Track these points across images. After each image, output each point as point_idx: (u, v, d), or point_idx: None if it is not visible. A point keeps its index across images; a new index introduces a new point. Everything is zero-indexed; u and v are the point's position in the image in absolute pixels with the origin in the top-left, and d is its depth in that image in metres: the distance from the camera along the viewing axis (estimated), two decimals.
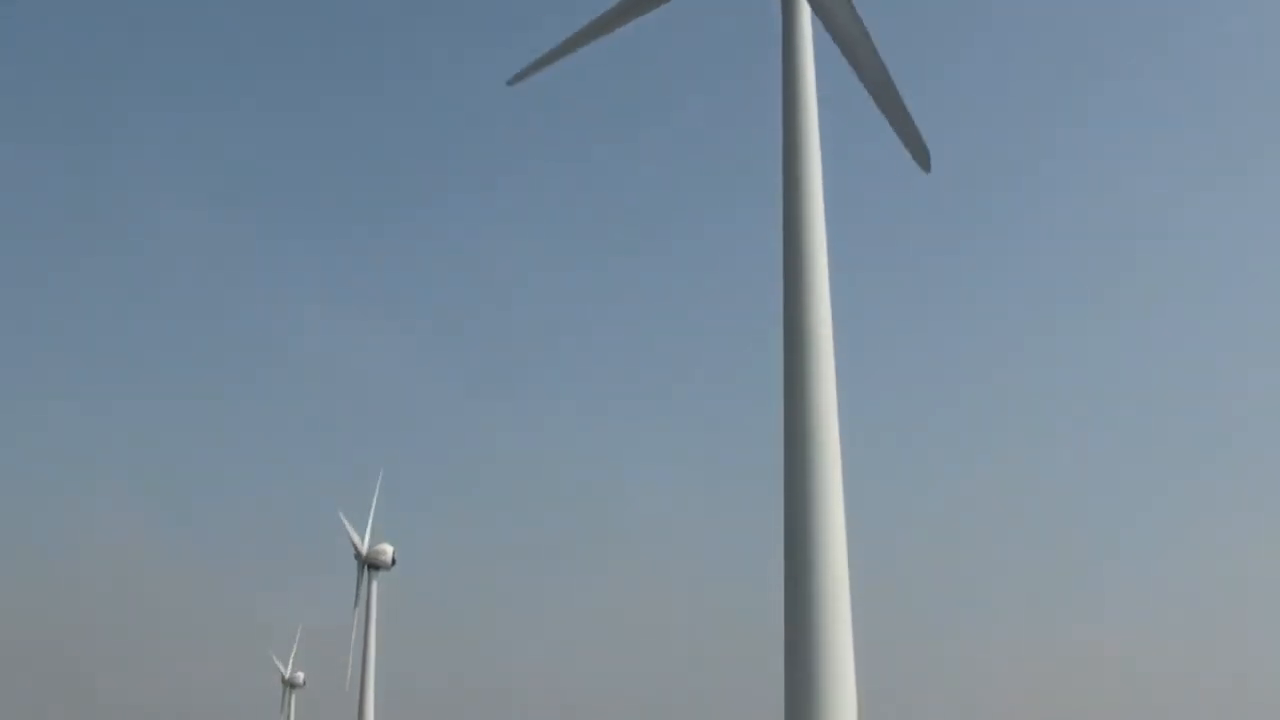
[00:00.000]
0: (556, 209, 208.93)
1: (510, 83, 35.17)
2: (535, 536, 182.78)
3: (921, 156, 33.15)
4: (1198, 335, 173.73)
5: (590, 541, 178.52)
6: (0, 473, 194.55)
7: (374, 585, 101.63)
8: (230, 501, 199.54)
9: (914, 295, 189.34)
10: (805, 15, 32.33)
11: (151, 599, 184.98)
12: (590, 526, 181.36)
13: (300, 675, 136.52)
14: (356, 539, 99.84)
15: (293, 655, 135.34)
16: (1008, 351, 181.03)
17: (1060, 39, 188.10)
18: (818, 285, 30.56)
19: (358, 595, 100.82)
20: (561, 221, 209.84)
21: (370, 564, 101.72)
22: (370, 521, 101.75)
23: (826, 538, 28.44)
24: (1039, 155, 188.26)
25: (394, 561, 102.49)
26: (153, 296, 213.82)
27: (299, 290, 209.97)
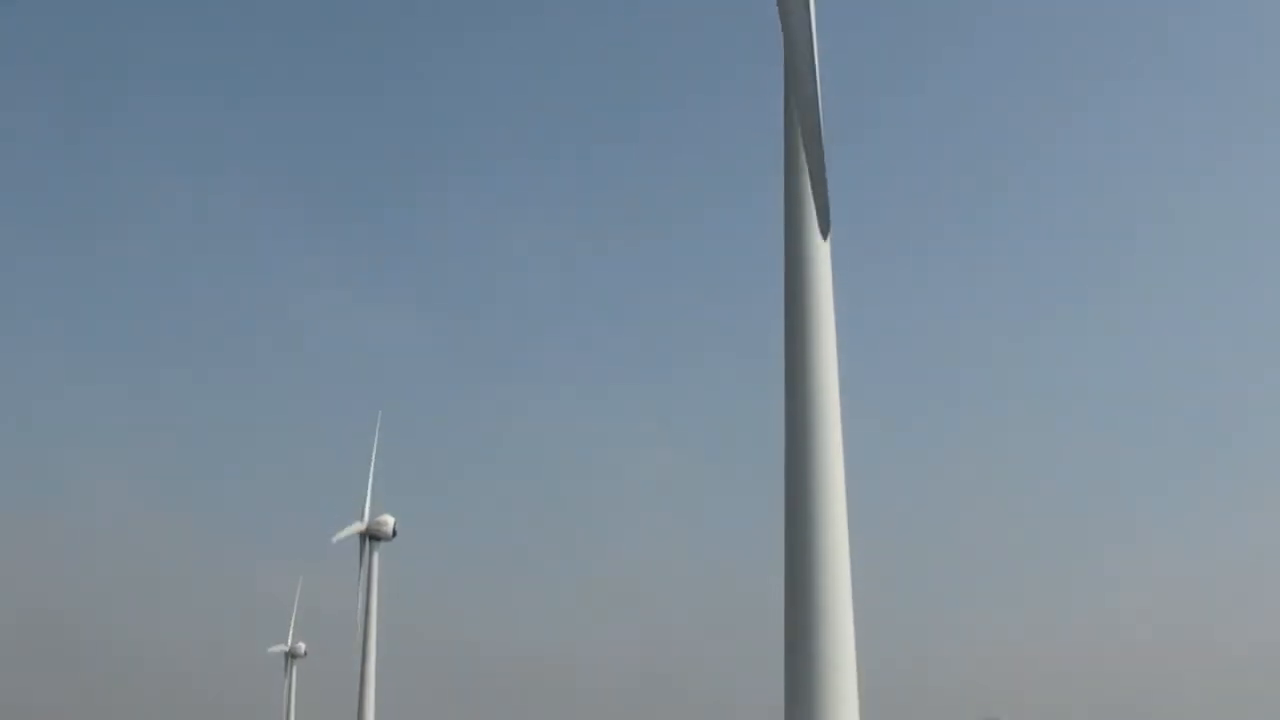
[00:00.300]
0: (563, 196, 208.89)
1: None
2: (536, 512, 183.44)
3: (823, 219, 32.68)
4: (1195, 328, 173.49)
5: (589, 519, 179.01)
6: (8, 449, 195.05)
7: (375, 556, 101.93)
8: (233, 477, 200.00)
9: (916, 285, 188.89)
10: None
11: (156, 573, 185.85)
12: (589, 504, 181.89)
13: (301, 646, 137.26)
14: (356, 529, 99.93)
15: (291, 626, 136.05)
16: (1009, 340, 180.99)
17: (1059, 39, 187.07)
18: (820, 274, 30.43)
19: (360, 566, 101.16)
20: (568, 208, 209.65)
21: (372, 535, 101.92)
22: (369, 486, 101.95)
23: (827, 517, 28.30)
24: (1040, 154, 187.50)
25: (395, 533, 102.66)
26: (158, 278, 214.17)
27: (300, 272, 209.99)
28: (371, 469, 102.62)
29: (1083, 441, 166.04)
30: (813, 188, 32.16)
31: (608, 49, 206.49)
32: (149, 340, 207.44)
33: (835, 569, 28.24)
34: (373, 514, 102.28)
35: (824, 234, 32.47)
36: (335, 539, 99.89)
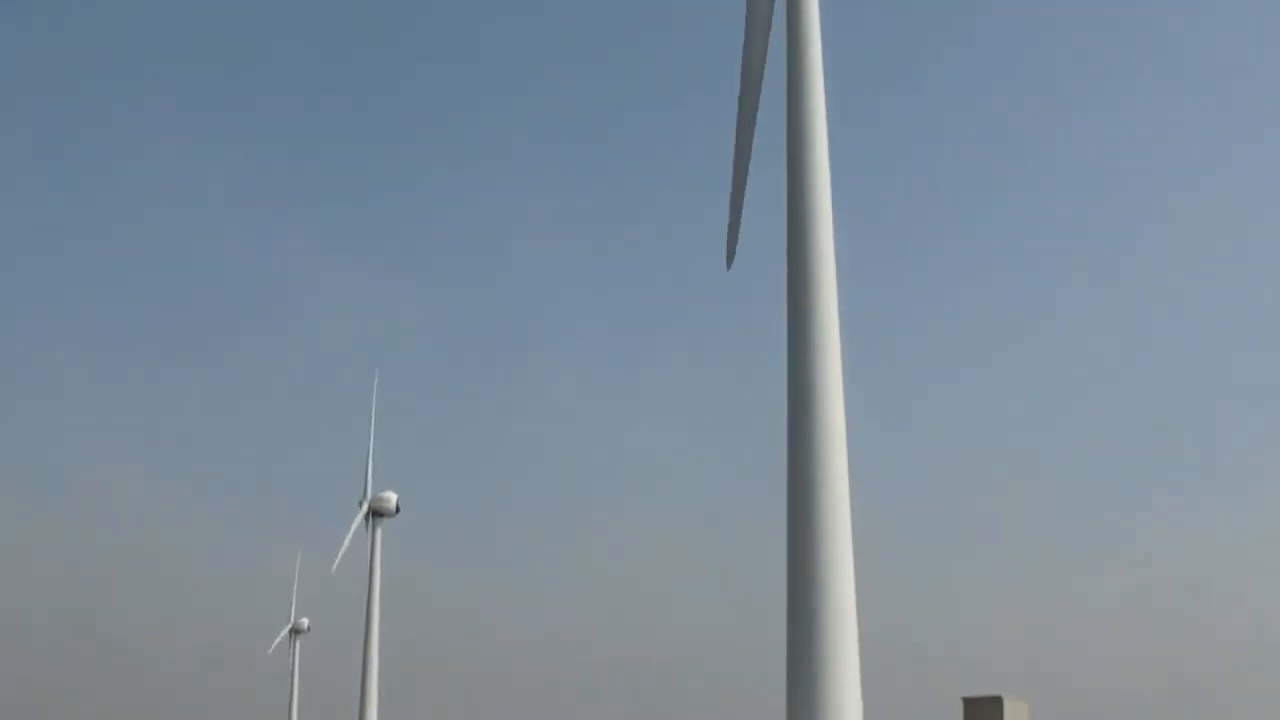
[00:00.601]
0: (567, 180, 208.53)
1: None
2: (537, 492, 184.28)
3: (730, 249, 33.78)
4: (1196, 325, 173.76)
5: (591, 498, 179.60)
6: (8, 425, 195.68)
7: (378, 533, 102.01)
8: (234, 453, 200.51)
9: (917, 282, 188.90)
10: (813, 10, 32.53)
11: (156, 551, 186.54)
12: (591, 484, 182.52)
13: (305, 621, 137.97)
14: (358, 516, 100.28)
15: (293, 603, 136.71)
16: (1010, 334, 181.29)
17: (1059, 39, 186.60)
18: (823, 264, 30.58)
19: (366, 538, 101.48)
20: (571, 203, 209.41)
21: (375, 512, 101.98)
22: (370, 462, 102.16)
23: (829, 506, 28.62)
24: (1040, 154, 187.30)
25: (398, 509, 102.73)
26: (160, 267, 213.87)
27: (299, 254, 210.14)
28: (371, 444, 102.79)
29: (1091, 424, 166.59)
30: (729, 224, 33.51)
31: (609, 48, 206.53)
32: (149, 330, 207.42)
33: (837, 553, 28.37)
34: (375, 490, 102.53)
35: (728, 264, 33.83)
36: (334, 568, 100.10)
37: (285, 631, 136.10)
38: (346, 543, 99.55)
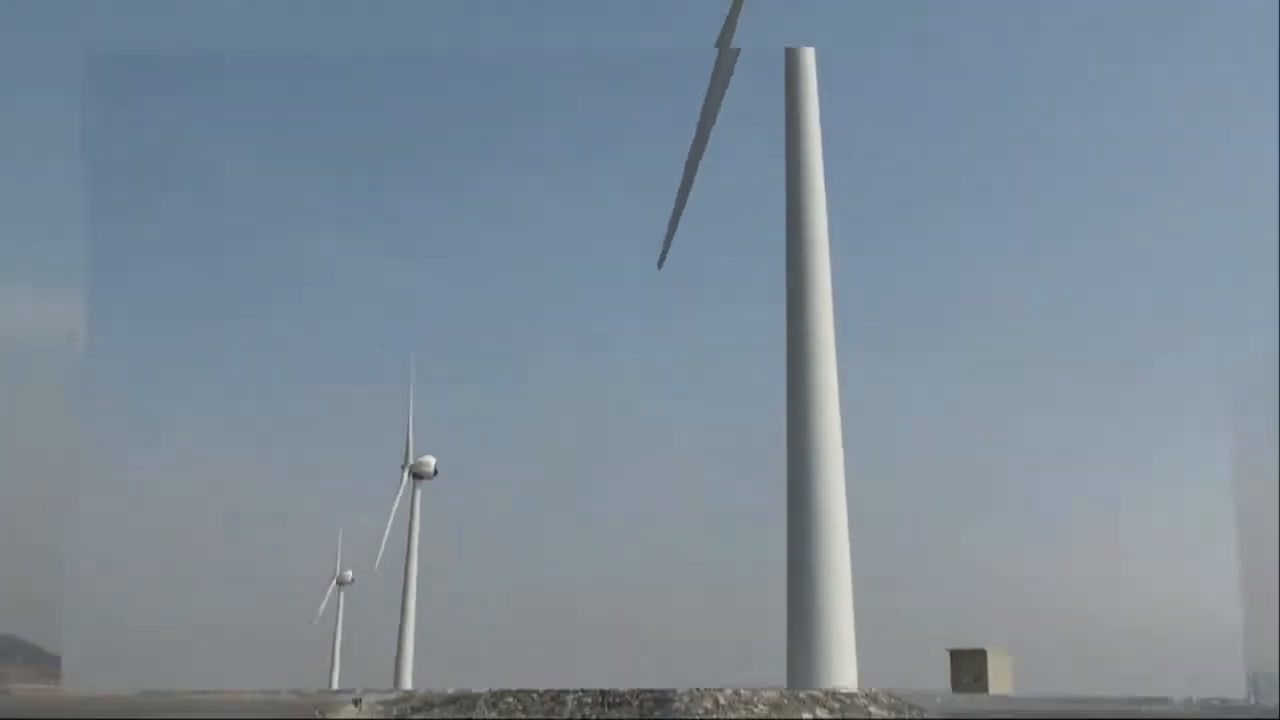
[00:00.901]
0: (582, 160, 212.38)
1: None
2: (563, 451, 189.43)
3: (664, 251, 37.02)
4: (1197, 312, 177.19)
5: (611, 456, 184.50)
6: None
7: (418, 493, 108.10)
8: (288, 420, 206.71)
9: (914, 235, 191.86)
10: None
11: (206, 511, 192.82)
12: (610, 443, 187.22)
13: (349, 573, 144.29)
14: (405, 485, 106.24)
15: (338, 560, 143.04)
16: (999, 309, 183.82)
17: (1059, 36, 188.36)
18: (818, 253, 34.57)
19: (409, 503, 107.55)
20: (586, 170, 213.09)
21: (415, 474, 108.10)
22: (410, 425, 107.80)
23: (825, 459, 32.35)
24: (1043, 149, 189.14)
25: (436, 472, 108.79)
26: (215, 234, 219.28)
27: (343, 227, 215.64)
28: (410, 415, 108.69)
29: (1079, 399, 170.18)
30: (668, 227, 36.87)
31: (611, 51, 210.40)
32: (214, 285, 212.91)
33: (832, 510, 32.27)
34: (415, 454, 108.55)
35: (659, 264, 37.59)
36: (377, 564, 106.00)
37: (332, 584, 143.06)
38: (396, 503, 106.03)
